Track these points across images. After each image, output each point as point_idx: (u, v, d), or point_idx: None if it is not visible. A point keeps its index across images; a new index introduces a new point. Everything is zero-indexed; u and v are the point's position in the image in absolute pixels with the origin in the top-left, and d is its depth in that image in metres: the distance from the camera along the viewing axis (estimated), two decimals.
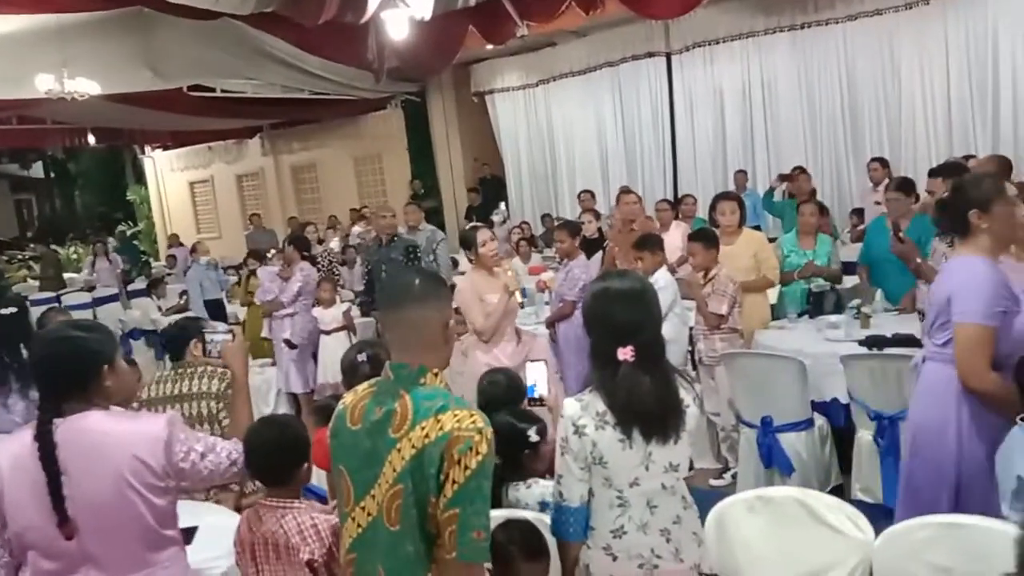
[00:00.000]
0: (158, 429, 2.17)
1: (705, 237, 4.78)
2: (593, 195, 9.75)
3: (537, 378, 3.08)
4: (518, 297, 4.51)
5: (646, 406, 2.13)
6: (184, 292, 10.01)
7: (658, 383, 2.15)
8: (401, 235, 7.12)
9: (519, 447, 2.72)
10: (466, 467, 1.68)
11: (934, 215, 3.40)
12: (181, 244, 14.73)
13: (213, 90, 11.41)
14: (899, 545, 2.25)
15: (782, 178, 8.82)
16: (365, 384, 1.96)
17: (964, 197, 2.75)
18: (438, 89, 13.61)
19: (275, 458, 2.43)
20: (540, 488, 2.73)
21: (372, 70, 9.18)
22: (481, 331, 4.36)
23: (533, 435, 2.78)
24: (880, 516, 2.44)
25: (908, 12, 9.55)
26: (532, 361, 3.20)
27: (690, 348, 5.05)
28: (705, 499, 2.51)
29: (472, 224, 5.42)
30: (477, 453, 1.69)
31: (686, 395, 2.21)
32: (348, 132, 15.31)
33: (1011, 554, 2.00)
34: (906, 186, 5.18)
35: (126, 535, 2.12)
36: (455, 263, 8.16)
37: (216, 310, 8.91)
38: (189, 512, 2.77)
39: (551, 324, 5.56)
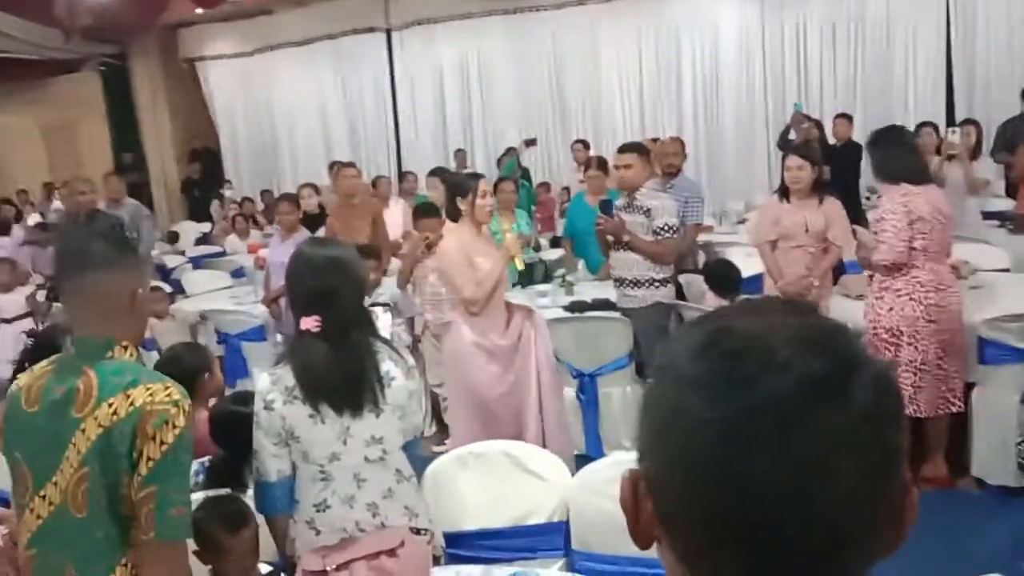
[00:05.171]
0: None
1: (433, 211, 4.91)
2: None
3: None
4: (519, 264, 3.83)
5: (327, 379, 2.07)
6: None
7: (343, 356, 2.09)
8: (101, 211, 6.48)
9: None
10: (162, 442, 1.59)
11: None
12: None
13: None
14: (590, 484, 2.48)
15: (527, 143, 9.24)
16: (44, 362, 1.78)
17: None
18: (142, 53, 12.49)
19: None
20: None
21: (62, 27, 8.24)
22: (472, 301, 3.66)
23: None
24: (582, 464, 2.68)
25: (608, 5, 10.43)
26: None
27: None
28: (426, 465, 2.56)
29: (471, 172, 4.64)
30: (173, 427, 1.60)
31: (393, 367, 2.16)
32: (34, 96, 13.49)
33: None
34: (603, 165, 5.68)
35: None
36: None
37: None
38: None
39: (273, 300, 5.40)
